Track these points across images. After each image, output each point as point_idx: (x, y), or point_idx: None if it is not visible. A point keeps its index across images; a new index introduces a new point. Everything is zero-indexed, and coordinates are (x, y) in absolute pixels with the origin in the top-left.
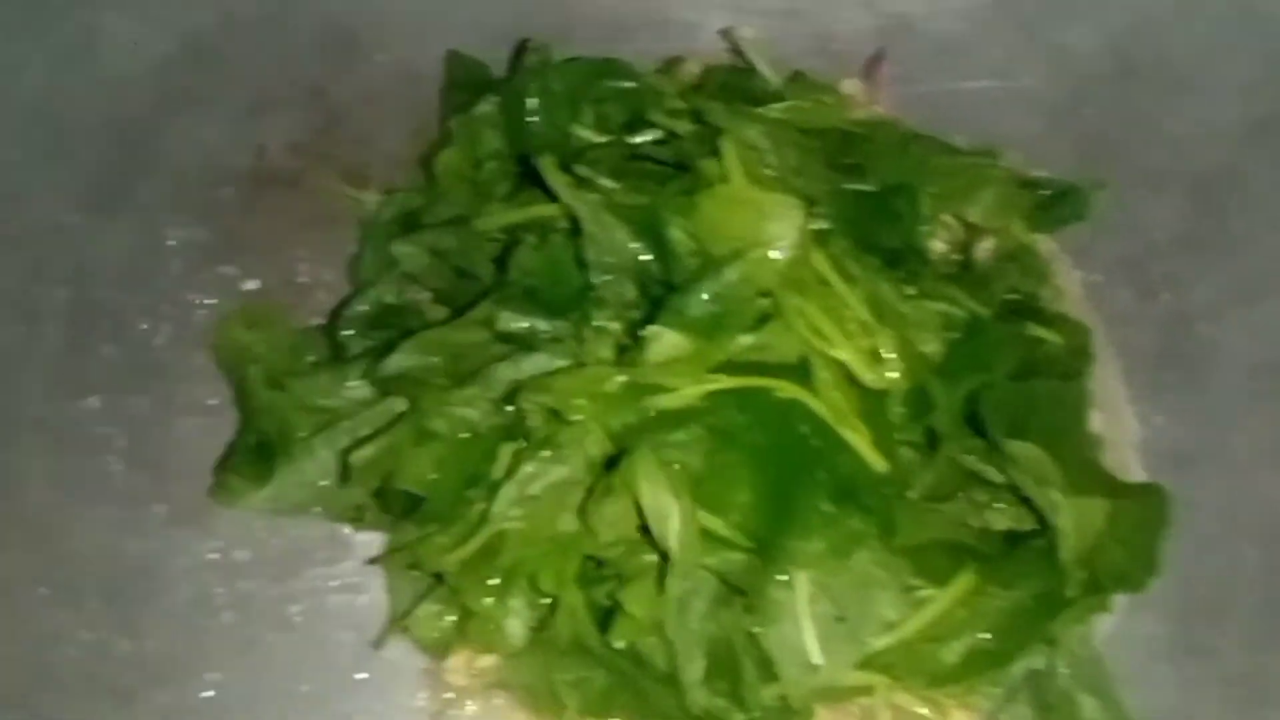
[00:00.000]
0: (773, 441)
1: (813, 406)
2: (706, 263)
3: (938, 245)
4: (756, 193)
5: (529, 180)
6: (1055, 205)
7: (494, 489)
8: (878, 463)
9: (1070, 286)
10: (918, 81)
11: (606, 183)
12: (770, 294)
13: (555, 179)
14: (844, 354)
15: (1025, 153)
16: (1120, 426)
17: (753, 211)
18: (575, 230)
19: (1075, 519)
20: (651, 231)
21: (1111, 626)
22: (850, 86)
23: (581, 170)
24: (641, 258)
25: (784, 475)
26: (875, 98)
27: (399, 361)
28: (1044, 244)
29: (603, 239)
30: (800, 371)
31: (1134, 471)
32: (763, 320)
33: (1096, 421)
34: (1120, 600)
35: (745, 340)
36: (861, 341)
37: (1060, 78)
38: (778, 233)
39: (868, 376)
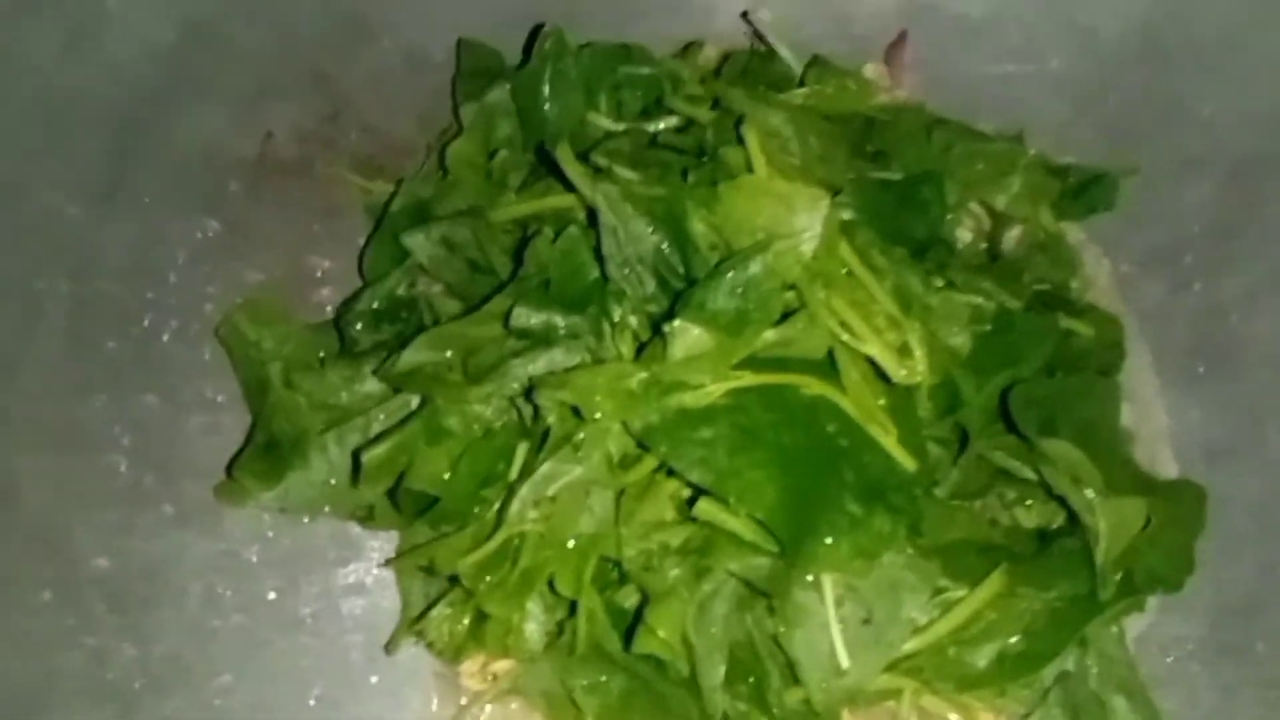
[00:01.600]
0: (798, 440)
1: (840, 404)
2: (730, 255)
3: (963, 234)
4: (782, 183)
5: (544, 170)
6: (1084, 193)
7: (510, 489)
8: (907, 462)
9: (1099, 277)
10: (940, 65)
11: (625, 172)
12: (795, 287)
13: (572, 168)
14: (873, 349)
15: (1052, 138)
16: (1151, 420)
17: (778, 202)
18: (593, 222)
19: (1111, 519)
20: (672, 223)
21: (1143, 626)
22: (871, 70)
23: (599, 159)
24: (662, 249)
25: (810, 475)
26: (897, 82)
27: (412, 357)
28: (1072, 233)
29: (621, 231)
30: (826, 367)
31: (1165, 466)
32: (788, 315)
33: (1127, 415)
34: (1151, 599)
35: (770, 335)
36: (889, 336)
37: (1088, 60)
38: (804, 224)
39: (898, 373)
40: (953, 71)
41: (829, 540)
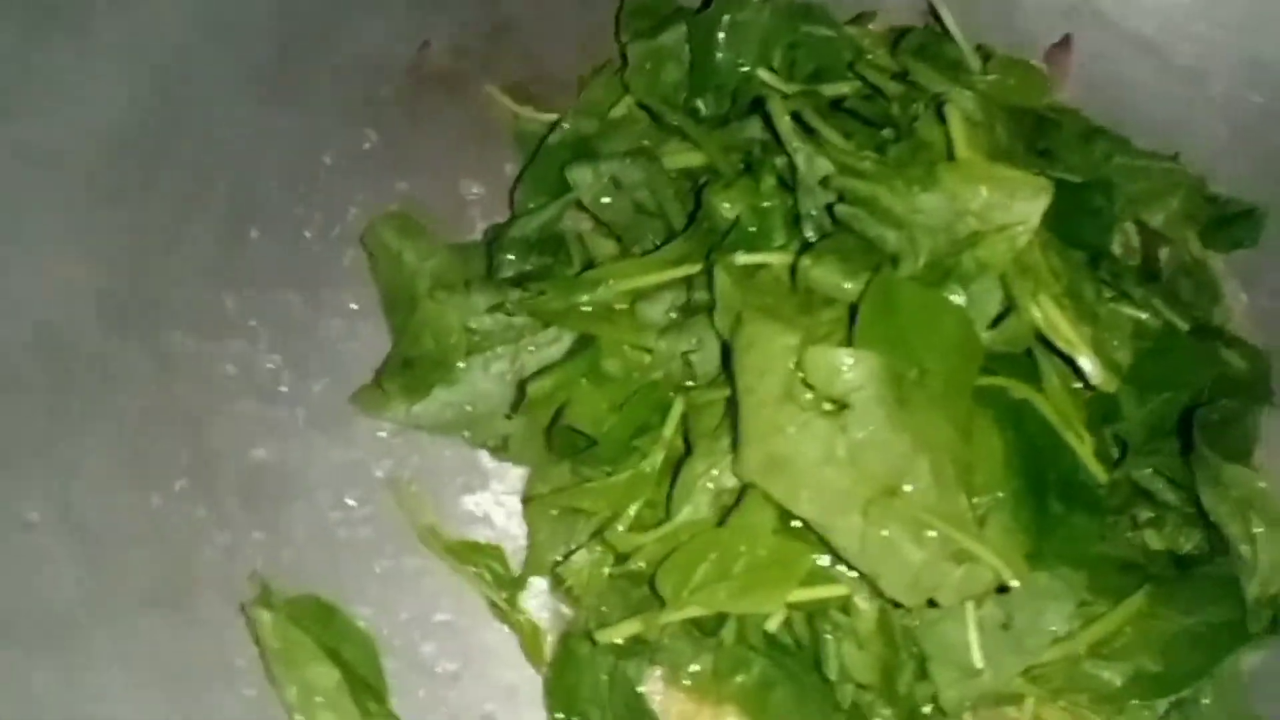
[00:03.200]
0: (1008, 438)
1: (1040, 406)
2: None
3: (1114, 249)
4: (1003, 169)
5: (705, 119)
6: (1230, 225)
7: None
8: (1099, 471)
9: (1236, 309)
10: (1101, 74)
11: (836, 138)
12: (1003, 279)
13: (784, 127)
14: (1079, 352)
15: (1203, 165)
16: (1276, 458)
17: (997, 187)
18: (785, 184)
19: (1273, 554)
20: (879, 197)
21: (1258, 662)
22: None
23: (808, 117)
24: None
25: (1026, 473)
26: (1058, 85)
27: (578, 293)
28: (1213, 262)
29: (821, 198)
30: (1023, 366)
31: None
32: (1004, 313)
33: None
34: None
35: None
36: (1089, 340)
37: (1253, 90)
38: (1022, 213)
39: (1097, 375)
40: (1113, 83)
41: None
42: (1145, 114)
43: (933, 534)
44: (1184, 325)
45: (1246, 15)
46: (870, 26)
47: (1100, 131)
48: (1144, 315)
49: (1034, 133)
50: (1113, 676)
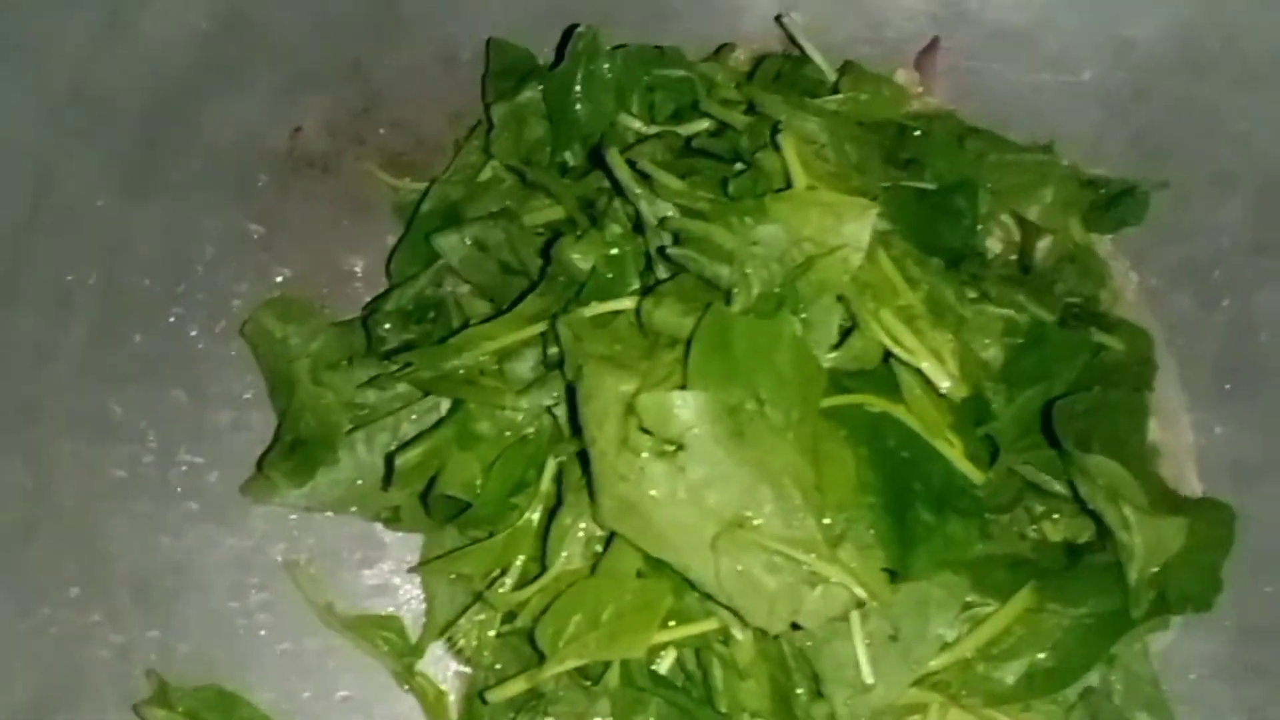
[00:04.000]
0: (863, 455)
1: (903, 418)
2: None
3: (993, 245)
4: (827, 193)
5: (575, 171)
6: (1114, 205)
7: (539, 499)
8: (974, 474)
9: (1127, 290)
10: (972, 73)
11: (671, 180)
12: (843, 299)
13: (623, 173)
14: (922, 361)
15: (1083, 150)
16: (1177, 436)
17: (825, 212)
18: (636, 228)
19: (1149, 538)
20: (717, 234)
21: (1167, 644)
22: (903, 76)
23: (644, 165)
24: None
25: (885, 487)
26: (928, 89)
27: (445, 359)
28: (1100, 245)
29: (667, 238)
30: (880, 379)
31: (1190, 483)
32: (845, 333)
33: (1153, 430)
34: (1176, 617)
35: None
36: (933, 347)
37: (1122, 71)
38: (851, 234)
39: (945, 384)
40: (984, 80)
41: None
42: (1020, 107)
43: (784, 561)
44: (1051, 317)
45: None
46: (736, 55)
47: (973, 131)
48: (1010, 312)
49: (896, 144)
50: (1004, 675)
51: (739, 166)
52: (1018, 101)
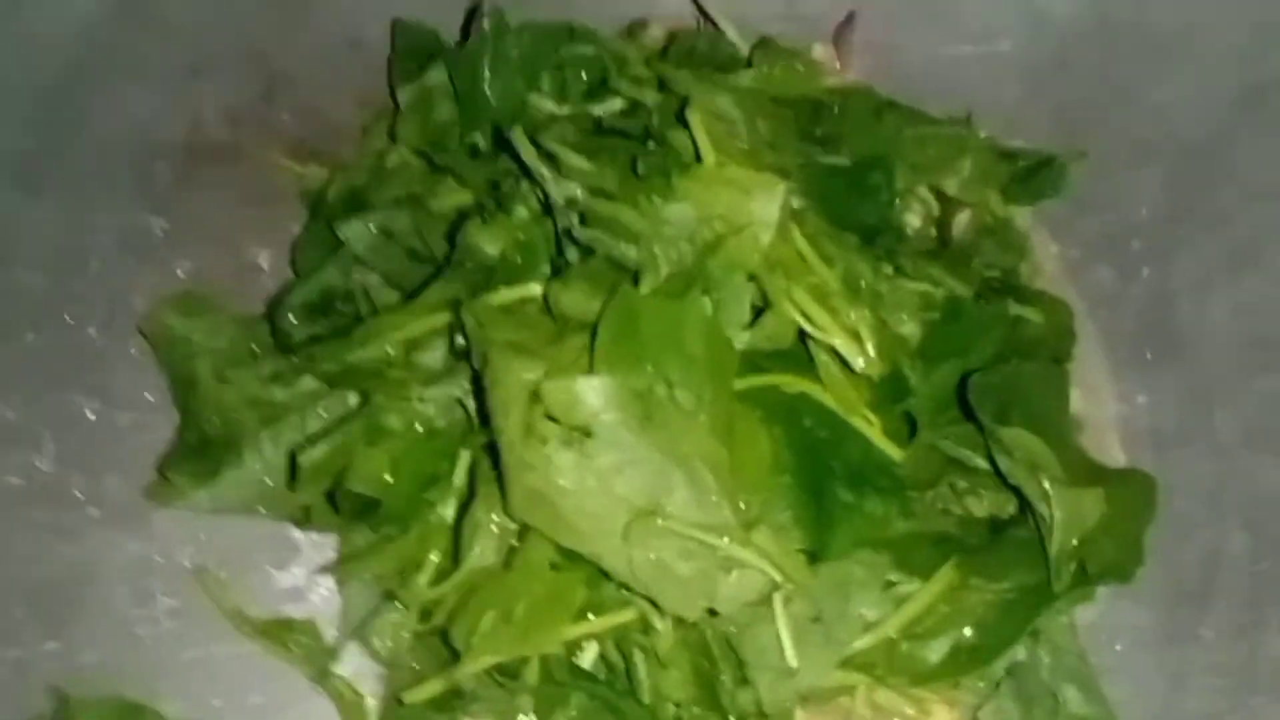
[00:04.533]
0: (784, 434)
1: (819, 397)
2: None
3: (912, 220)
4: (736, 170)
5: (484, 154)
6: (1033, 177)
7: (453, 493)
8: (892, 451)
9: (1047, 262)
10: (889, 47)
11: (579, 161)
12: (754, 278)
13: (528, 154)
14: (835, 339)
15: (1001, 122)
16: (1100, 406)
17: (734, 190)
18: (546, 209)
19: (1068, 510)
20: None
21: (1093, 615)
22: (820, 52)
23: (550, 145)
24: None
25: (802, 467)
26: (845, 64)
27: (349, 352)
28: (1020, 217)
29: (575, 219)
30: (794, 358)
31: (1113, 453)
32: (759, 312)
33: (1075, 401)
34: (1102, 588)
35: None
36: (847, 324)
37: (1039, 43)
38: (760, 212)
39: (859, 362)
40: (902, 53)
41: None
42: (939, 80)
43: (697, 546)
44: (968, 291)
45: None
46: (651, 32)
47: (890, 105)
48: (927, 287)
49: (811, 120)
50: (929, 654)
51: (651, 146)
52: (935, 75)
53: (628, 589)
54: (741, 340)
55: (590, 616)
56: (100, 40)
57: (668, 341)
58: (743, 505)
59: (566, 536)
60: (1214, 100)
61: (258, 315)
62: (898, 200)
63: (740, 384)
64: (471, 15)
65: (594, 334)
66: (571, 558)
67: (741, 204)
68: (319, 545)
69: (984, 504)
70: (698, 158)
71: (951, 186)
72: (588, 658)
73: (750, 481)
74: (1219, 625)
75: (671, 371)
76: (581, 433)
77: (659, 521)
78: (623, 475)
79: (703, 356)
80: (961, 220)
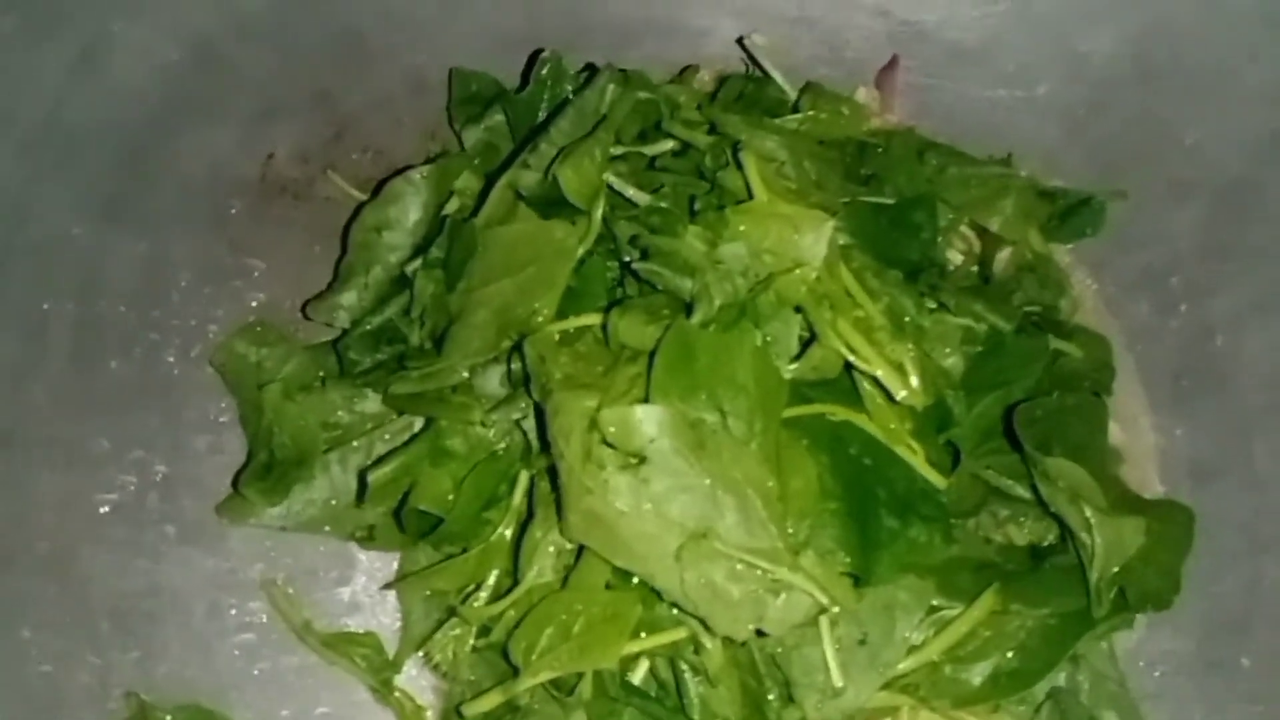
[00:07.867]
0: (830, 462)
1: (864, 426)
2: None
3: (954, 257)
4: (785, 206)
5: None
6: (1072, 216)
7: (512, 513)
8: (936, 479)
9: (1087, 298)
10: (931, 90)
11: (638, 195)
12: (803, 311)
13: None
14: (878, 370)
15: (1041, 162)
16: (1138, 438)
17: (783, 225)
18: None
19: (1109, 538)
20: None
21: (1133, 642)
22: (864, 95)
23: (614, 181)
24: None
25: (848, 494)
26: (889, 106)
27: (415, 379)
28: (1060, 254)
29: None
30: (840, 388)
31: (1152, 485)
32: (806, 344)
33: (1114, 434)
34: (1141, 616)
35: (791, 367)
36: (891, 356)
37: (1077, 85)
38: (809, 246)
39: (901, 393)
40: (943, 97)
41: (876, 554)
42: (978, 122)
43: (747, 569)
44: (1009, 325)
45: (1060, 15)
46: (701, 76)
47: (932, 146)
48: (969, 321)
49: (856, 160)
50: (971, 677)
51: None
52: (976, 117)
53: (679, 609)
54: (790, 371)
55: (643, 635)
56: (180, 87)
57: (720, 372)
58: (791, 530)
59: (622, 557)
60: (1248, 139)
61: (324, 343)
62: (940, 237)
63: (788, 413)
64: (530, 61)
65: (649, 363)
66: (626, 578)
67: (791, 240)
68: (380, 563)
69: (1025, 532)
70: (749, 196)
71: (994, 224)
72: (639, 674)
73: (798, 507)
74: (1257, 654)
75: (723, 400)
76: (637, 458)
77: (710, 545)
78: (676, 500)
79: (753, 386)
80: (1002, 257)
